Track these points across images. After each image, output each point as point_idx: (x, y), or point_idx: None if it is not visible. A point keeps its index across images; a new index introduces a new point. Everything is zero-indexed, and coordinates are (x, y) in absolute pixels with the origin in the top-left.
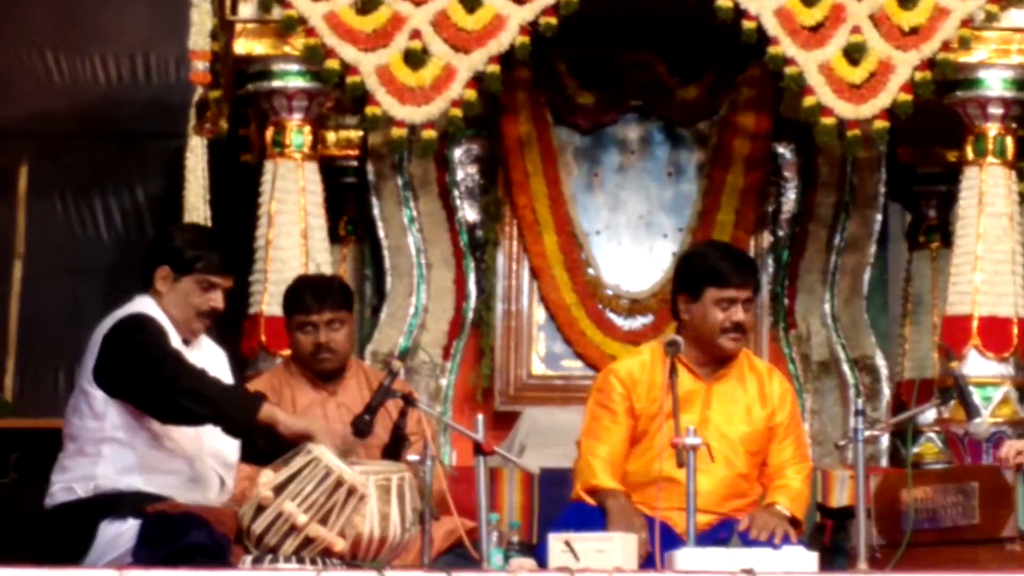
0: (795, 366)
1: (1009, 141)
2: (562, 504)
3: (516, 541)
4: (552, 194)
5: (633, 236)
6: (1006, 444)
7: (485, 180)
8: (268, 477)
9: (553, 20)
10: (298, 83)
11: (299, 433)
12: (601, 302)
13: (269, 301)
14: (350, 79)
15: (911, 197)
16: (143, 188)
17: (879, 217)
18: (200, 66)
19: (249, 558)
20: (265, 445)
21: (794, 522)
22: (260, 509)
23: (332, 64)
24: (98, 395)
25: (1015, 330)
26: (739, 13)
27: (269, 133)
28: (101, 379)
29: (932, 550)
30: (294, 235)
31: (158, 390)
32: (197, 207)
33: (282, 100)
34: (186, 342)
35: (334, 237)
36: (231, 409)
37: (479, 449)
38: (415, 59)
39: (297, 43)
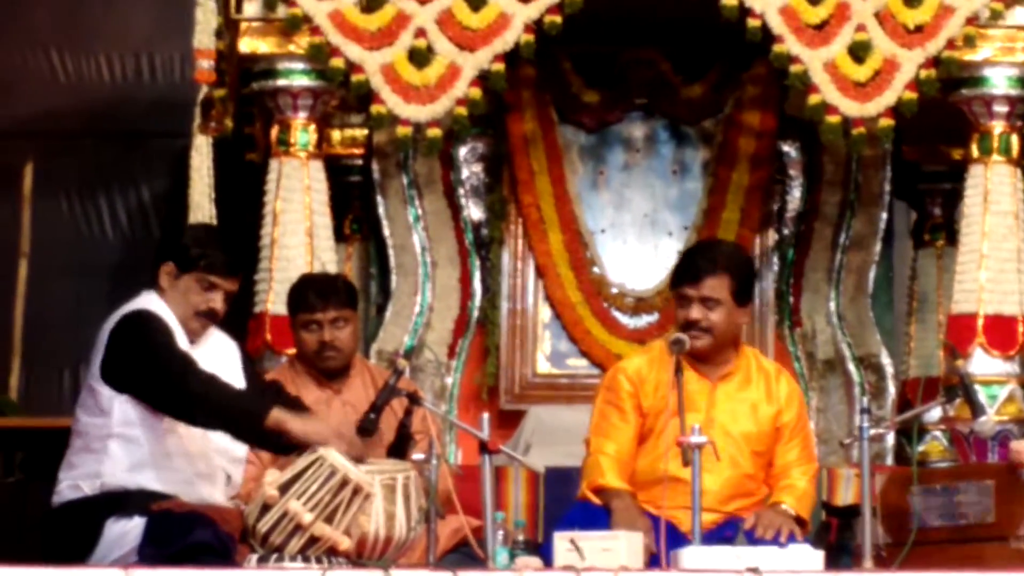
0: (800, 364)
1: (1014, 139)
2: (568, 503)
3: (522, 540)
4: (557, 192)
5: (638, 234)
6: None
7: (490, 179)
8: (273, 476)
9: (558, 18)
10: (303, 82)
11: (308, 440)
12: (606, 300)
13: (274, 300)
14: (355, 77)
15: (916, 195)
16: (148, 187)
17: (884, 215)
18: (205, 65)
19: (254, 557)
20: (276, 449)
21: (799, 522)
22: (265, 508)
23: (337, 63)
24: (104, 392)
25: (1020, 328)
26: (744, 11)
27: (274, 132)
28: (107, 375)
29: (938, 548)
30: (299, 234)
31: (165, 386)
32: (202, 206)
33: (287, 99)
34: (191, 340)
35: (339, 236)
36: (237, 417)
37: (484, 448)
38: (420, 57)
39: (302, 41)
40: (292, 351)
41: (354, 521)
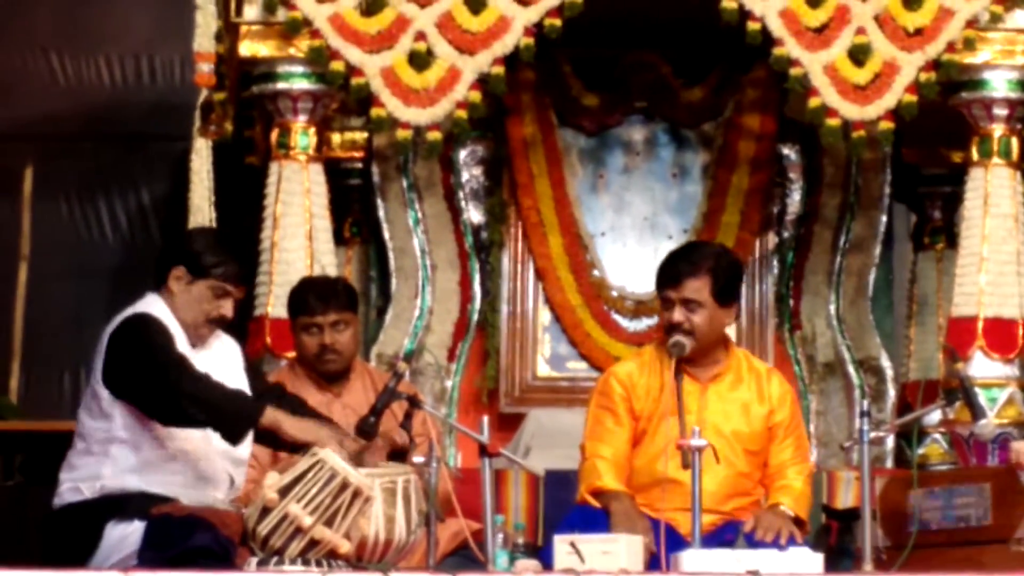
0: (800, 367)
1: (1014, 142)
2: (567, 506)
3: (521, 543)
4: (557, 196)
5: (638, 238)
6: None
7: (490, 182)
8: (273, 479)
9: (558, 22)
10: (303, 85)
11: (304, 442)
12: (606, 303)
13: (274, 303)
14: (355, 81)
15: (916, 198)
16: (148, 190)
17: (884, 218)
18: (205, 68)
19: (254, 560)
20: (274, 447)
21: (798, 522)
22: (265, 511)
23: (337, 66)
24: (105, 395)
25: (1020, 331)
26: (744, 14)
27: (274, 135)
28: (107, 379)
29: (938, 551)
30: (299, 237)
31: (160, 393)
32: (202, 209)
33: (287, 102)
34: (193, 344)
35: (339, 239)
36: (231, 414)
37: (484, 451)
38: (420, 61)
39: (302, 45)
40: (292, 354)
41: (354, 524)
